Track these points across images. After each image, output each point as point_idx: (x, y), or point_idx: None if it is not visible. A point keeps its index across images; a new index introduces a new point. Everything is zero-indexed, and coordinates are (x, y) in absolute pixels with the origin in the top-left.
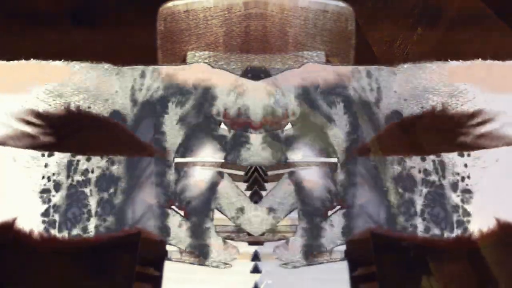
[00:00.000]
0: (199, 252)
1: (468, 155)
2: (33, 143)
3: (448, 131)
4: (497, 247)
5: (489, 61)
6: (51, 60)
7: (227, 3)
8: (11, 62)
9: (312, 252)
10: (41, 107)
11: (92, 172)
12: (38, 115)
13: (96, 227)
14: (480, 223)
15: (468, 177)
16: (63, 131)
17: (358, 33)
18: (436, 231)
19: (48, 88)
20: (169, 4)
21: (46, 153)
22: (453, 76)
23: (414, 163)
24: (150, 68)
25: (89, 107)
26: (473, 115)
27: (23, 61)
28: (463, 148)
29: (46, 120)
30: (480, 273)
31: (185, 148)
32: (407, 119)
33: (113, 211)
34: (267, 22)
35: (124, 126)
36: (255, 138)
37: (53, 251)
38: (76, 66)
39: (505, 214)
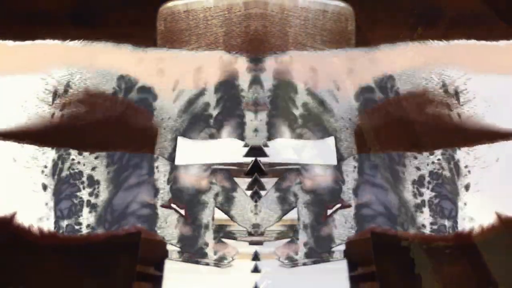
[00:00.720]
0: (196, 252)
1: (468, 154)
2: (46, 125)
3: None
4: (497, 246)
5: (473, 41)
6: (69, 40)
7: (227, 3)
8: (30, 42)
9: (314, 252)
10: (60, 88)
11: (84, 165)
12: (56, 95)
13: (88, 220)
14: (480, 222)
15: (469, 176)
16: (76, 113)
17: (358, 33)
18: (442, 222)
19: (48, 88)
20: (169, 4)
21: (45, 152)
22: (437, 57)
23: (422, 156)
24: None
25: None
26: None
27: (42, 41)
28: (451, 126)
29: (65, 100)
30: (480, 273)
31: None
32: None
33: (103, 207)
34: (267, 22)
35: (133, 104)
36: (252, 117)
37: (52, 248)
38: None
39: (505, 214)
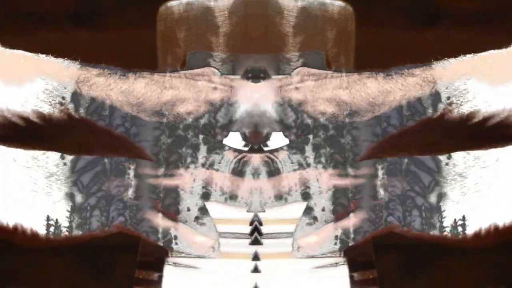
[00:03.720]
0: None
1: (468, 153)
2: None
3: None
4: (497, 246)
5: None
6: (52, 57)
7: (227, 3)
8: (13, 51)
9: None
10: (42, 107)
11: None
12: (38, 115)
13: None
14: (480, 222)
15: (468, 176)
16: (58, 133)
17: (358, 33)
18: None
19: (48, 87)
20: (169, 4)
21: (46, 153)
22: (453, 74)
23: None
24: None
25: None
26: (470, 116)
27: (25, 53)
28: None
29: (45, 121)
30: (481, 272)
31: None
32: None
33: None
34: (267, 22)
35: (125, 137)
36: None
37: (51, 249)
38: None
39: (505, 214)
